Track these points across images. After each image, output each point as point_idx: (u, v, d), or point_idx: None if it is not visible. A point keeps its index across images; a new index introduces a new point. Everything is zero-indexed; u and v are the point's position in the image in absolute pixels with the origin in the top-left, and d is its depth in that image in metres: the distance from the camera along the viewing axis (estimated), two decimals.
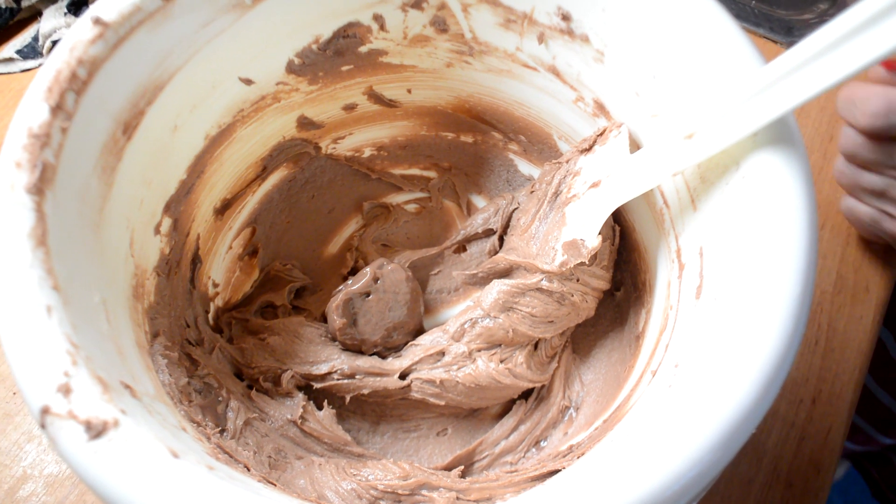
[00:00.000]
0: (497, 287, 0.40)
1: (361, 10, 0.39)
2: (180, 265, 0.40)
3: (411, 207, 0.51)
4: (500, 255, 0.43)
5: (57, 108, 0.29)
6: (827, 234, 0.51)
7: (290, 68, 0.40)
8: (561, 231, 0.40)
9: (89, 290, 0.29)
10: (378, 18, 0.39)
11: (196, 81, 0.36)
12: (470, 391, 0.40)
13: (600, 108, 0.39)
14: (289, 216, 0.47)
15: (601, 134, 0.38)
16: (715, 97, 0.30)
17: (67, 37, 0.31)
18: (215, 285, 0.44)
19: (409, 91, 0.45)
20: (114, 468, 0.23)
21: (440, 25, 0.40)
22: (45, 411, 0.24)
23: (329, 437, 0.39)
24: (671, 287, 0.35)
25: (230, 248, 0.45)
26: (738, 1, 0.61)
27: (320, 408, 0.41)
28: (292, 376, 0.41)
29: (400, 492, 0.33)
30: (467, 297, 0.46)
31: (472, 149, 0.48)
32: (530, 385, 0.41)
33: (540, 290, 0.39)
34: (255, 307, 0.45)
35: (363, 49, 0.41)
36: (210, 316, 0.43)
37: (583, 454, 0.33)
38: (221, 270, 0.45)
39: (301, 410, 0.39)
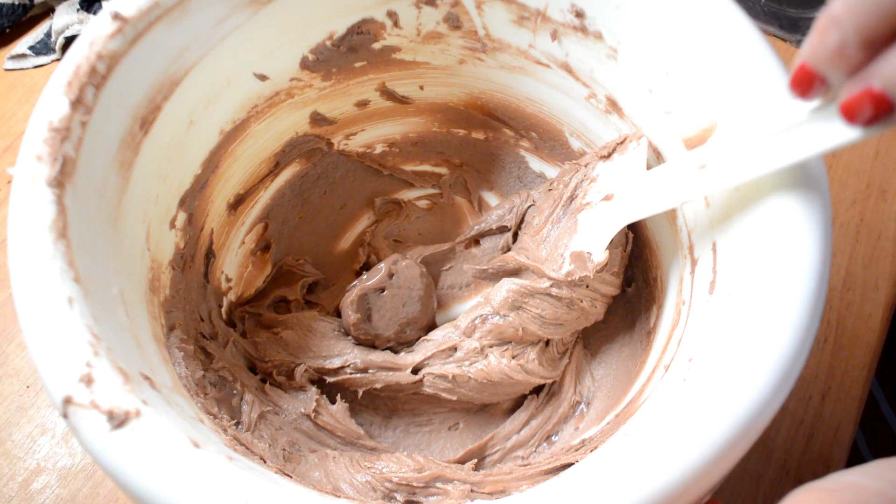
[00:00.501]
0: (506, 286, 0.40)
1: (375, 6, 0.39)
2: (194, 259, 0.40)
3: (422, 203, 0.51)
4: (510, 253, 0.43)
5: (77, 102, 0.29)
6: (836, 231, 0.51)
7: (304, 64, 0.40)
8: (571, 239, 0.40)
9: (108, 283, 0.30)
10: (392, 15, 0.40)
11: (211, 77, 0.36)
12: (482, 387, 0.40)
13: (613, 105, 0.39)
14: (301, 212, 0.48)
15: (622, 143, 0.38)
16: (734, 128, 0.30)
17: (86, 32, 0.31)
18: (228, 280, 0.44)
19: (421, 87, 0.45)
20: (136, 457, 0.23)
21: (453, 22, 0.40)
22: (67, 401, 0.24)
23: (342, 430, 0.40)
24: (683, 283, 0.35)
25: (243, 243, 0.45)
26: None
27: (333, 402, 0.41)
28: (305, 370, 0.41)
29: (414, 484, 0.33)
30: (478, 293, 0.46)
31: (483, 145, 0.48)
32: (542, 381, 0.41)
33: (549, 294, 0.40)
34: (268, 302, 0.45)
35: (377, 45, 0.41)
36: (223, 310, 0.43)
37: (595, 448, 0.33)
38: (234, 265, 0.45)
39: (314, 404, 0.40)
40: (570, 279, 0.38)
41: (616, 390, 0.40)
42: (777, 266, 0.26)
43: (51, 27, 0.60)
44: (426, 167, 0.50)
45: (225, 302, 0.44)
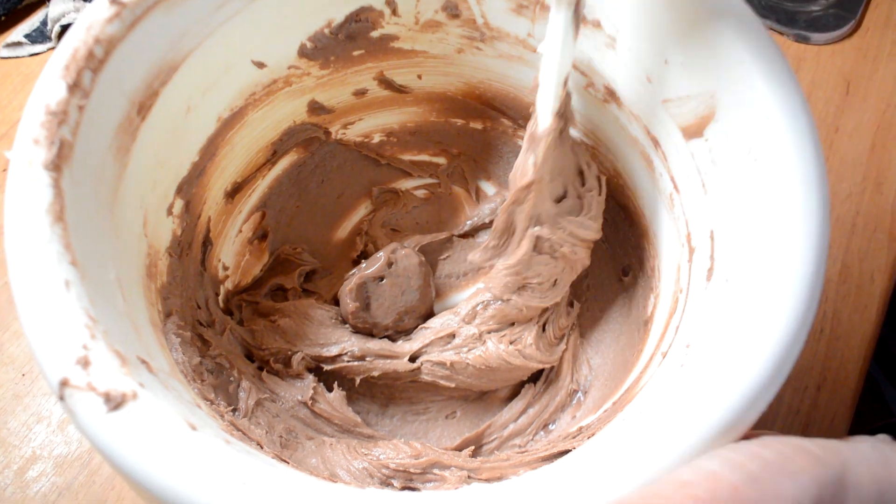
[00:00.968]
0: (503, 271, 0.40)
1: None
2: (191, 247, 0.40)
3: (420, 193, 0.51)
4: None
5: (74, 86, 0.29)
6: (832, 223, 0.51)
7: (303, 52, 0.40)
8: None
9: (105, 268, 0.29)
10: (390, 3, 0.40)
11: (209, 63, 0.36)
12: (480, 373, 0.40)
13: (611, 94, 0.39)
14: (298, 201, 0.48)
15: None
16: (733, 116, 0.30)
17: (84, 16, 0.31)
18: (225, 268, 0.44)
19: (419, 77, 0.45)
20: (133, 439, 0.23)
21: (452, 11, 0.40)
22: (63, 384, 0.24)
23: (339, 418, 0.40)
24: (681, 271, 0.35)
25: (240, 231, 0.45)
26: None
27: (330, 390, 0.41)
28: (302, 358, 0.41)
29: (412, 471, 0.33)
30: (476, 281, 0.46)
31: (481, 135, 0.48)
32: (539, 366, 0.41)
33: (535, 243, 0.39)
34: (265, 290, 0.45)
35: (375, 34, 0.41)
36: (220, 298, 0.43)
37: (593, 435, 0.33)
38: (231, 254, 0.45)
39: (311, 392, 0.40)
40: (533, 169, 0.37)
41: (613, 378, 0.40)
42: (775, 253, 0.26)
43: (47, 15, 0.60)
44: (424, 157, 0.50)
45: (222, 290, 0.44)
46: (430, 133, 0.49)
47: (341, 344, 0.42)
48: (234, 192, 0.43)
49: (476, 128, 0.48)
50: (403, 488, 0.33)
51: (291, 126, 0.45)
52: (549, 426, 0.41)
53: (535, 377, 0.43)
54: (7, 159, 0.28)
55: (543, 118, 0.37)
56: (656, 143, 0.37)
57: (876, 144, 0.55)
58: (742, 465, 0.22)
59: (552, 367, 0.42)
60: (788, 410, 0.45)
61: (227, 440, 0.25)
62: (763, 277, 0.25)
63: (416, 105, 0.47)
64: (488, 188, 0.50)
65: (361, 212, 0.50)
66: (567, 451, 0.32)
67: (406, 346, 0.42)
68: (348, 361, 0.41)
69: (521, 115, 0.46)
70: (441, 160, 0.50)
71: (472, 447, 0.39)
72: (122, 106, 0.32)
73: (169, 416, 0.24)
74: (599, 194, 0.41)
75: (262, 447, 0.33)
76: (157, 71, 0.34)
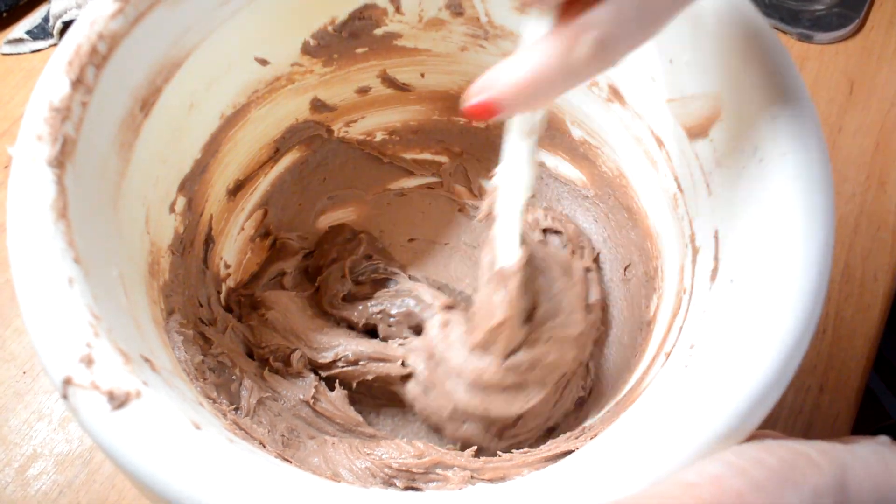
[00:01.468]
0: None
1: None
2: (194, 245, 0.40)
3: (422, 192, 0.51)
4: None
5: (77, 82, 0.29)
6: (836, 223, 0.51)
7: (306, 49, 0.40)
8: (488, 258, 0.37)
9: (108, 265, 0.29)
10: (394, 1, 0.40)
11: (212, 60, 0.36)
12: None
13: (615, 94, 0.39)
14: (301, 199, 0.47)
15: None
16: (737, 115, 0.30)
17: (87, 11, 0.31)
18: (227, 266, 0.44)
19: (422, 75, 0.45)
20: (137, 438, 0.23)
21: (456, 9, 0.40)
22: (67, 382, 0.24)
23: (341, 417, 0.40)
24: (685, 271, 0.35)
25: (242, 229, 0.45)
26: None
27: (332, 389, 0.41)
28: (301, 356, 0.41)
29: (414, 470, 0.33)
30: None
31: (483, 134, 0.48)
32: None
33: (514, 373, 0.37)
34: (264, 281, 0.45)
35: (378, 31, 0.41)
36: (222, 297, 0.43)
37: (596, 435, 0.33)
38: (233, 252, 0.45)
39: (313, 391, 0.40)
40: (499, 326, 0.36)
41: (616, 379, 0.40)
42: (779, 254, 0.26)
43: (48, 12, 0.60)
44: (426, 155, 0.50)
45: (224, 288, 0.44)
46: (432, 131, 0.49)
47: (334, 349, 0.42)
48: (237, 189, 0.43)
49: (479, 126, 0.48)
50: (406, 488, 0.33)
51: (294, 123, 0.44)
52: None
53: None
54: (10, 155, 0.28)
55: (509, 253, 0.35)
56: (660, 142, 0.37)
57: (880, 144, 0.54)
58: (746, 470, 0.22)
59: None
60: (791, 410, 0.45)
61: (230, 439, 0.25)
62: (767, 278, 0.25)
63: (419, 103, 0.47)
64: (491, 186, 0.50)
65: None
66: (570, 452, 0.32)
67: (399, 351, 0.41)
68: (343, 367, 0.41)
69: None
70: (443, 159, 0.50)
71: (476, 447, 0.39)
72: (126, 102, 0.32)
73: (173, 415, 0.24)
74: (588, 271, 0.40)
75: (264, 446, 0.32)
76: (161, 67, 0.33)
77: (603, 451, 0.25)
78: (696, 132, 0.33)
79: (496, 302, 0.35)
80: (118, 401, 0.23)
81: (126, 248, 0.32)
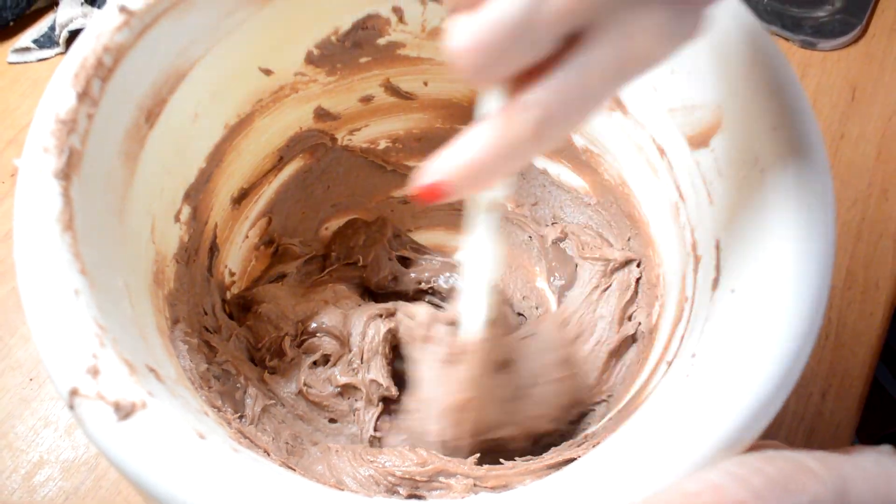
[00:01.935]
0: None
1: (381, 2, 0.39)
2: (198, 253, 0.40)
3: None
4: None
5: (83, 95, 0.29)
6: (838, 230, 0.51)
7: (309, 59, 0.41)
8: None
9: (113, 275, 0.30)
10: (397, 10, 0.40)
11: (217, 71, 0.37)
12: None
13: (617, 103, 0.39)
14: (304, 207, 0.48)
15: None
16: (738, 126, 0.30)
17: (93, 24, 0.31)
18: (232, 274, 0.44)
19: (425, 84, 0.45)
20: (143, 448, 0.23)
21: None
22: (73, 393, 0.24)
23: (331, 403, 0.40)
24: (686, 280, 0.35)
25: (246, 237, 0.45)
26: None
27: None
28: (293, 339, 0.41)
29: (418, 478, 0.33)
30: None
31: None
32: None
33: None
34: (262, 282, 0.45)
35: (381, 41, 0.41)
36: (226, 304, 0.43)
37: (598, 443, 0.33)
38: (238, 260, 0.45)
39: (304, 377, 0.40)
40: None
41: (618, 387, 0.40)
42: (779, 264, 0.26)
43: (55, 21, 0.60)
44: None
45: (228, 296, 0.44)
46: (435, 139, 0.49)
47: (319, 320, 0.42)
48: (241, 198, 0.44)
49: None
50: (409, 496, 0.34)
51: (298, 132, 0.45)
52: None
53: None
54: (16, 166, 0.28)
55: (472, 329, 0.35)
56: (662, 151, 0.37)
57: (882, 151, 0.55)
58: (746, 480, 0.22)
59: None
60: (793, 417, 0.45)
61: (234, 448, 0.25)
62: (767, 289, 0.25)
63: (422, 111, 0.47)
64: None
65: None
66: (572, 460, 0.32)
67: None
68: (322, 336, 0.42)
69: None
70: None
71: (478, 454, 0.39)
72: (131, 113, 0.32)
73: (178, 425, 0.24)
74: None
75: (269, 454, 0.33)
76: (166, 78, 0.34)
77: (605, 459, 0.25)
78: (698, 141, 0.33)
79: (453, 379, 0.35)
80: (124, 411, 0.24)
81: (131, 257, 0.32)
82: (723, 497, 0.21)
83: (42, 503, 0.42)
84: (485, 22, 0.21)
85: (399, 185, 0.50)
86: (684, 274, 0.35)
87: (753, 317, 0.25)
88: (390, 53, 0.42)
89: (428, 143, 0.49)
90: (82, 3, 0.60)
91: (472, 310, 0.34)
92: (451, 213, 0.50)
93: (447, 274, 0.48)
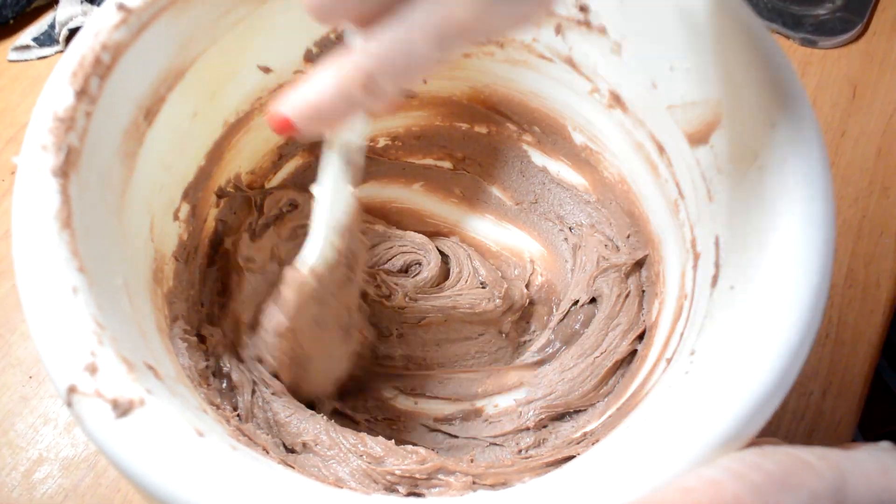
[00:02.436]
0: None
1: None
2: (197, 251, 0.40)
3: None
4: None
5: (81, 93, 0.29)
6: (838, 228, 0.51)
7: (308, 57, 0.41)
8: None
9: (112, 273, 0.30)
10: None
11: (216, 69, 0.36)
12: None
13: (616, 100, 0.39)
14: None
15: None
16: (737, 122, 0.30)
17: (91, 22, 0.31)
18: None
19: (424, 81, 0.45)
20: (140, 446, 0.23)
21: None
22: (71, 390, 0.24)
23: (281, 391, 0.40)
24: (685, 277, 0.35)
25: None
26: None
27: None
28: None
29: (417, 476, 0.33)
30: None
31: (486, 139, 0.48)
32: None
33: None
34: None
35: None
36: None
37: (597, 441, 0.33)
38: None
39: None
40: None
41: (618, 384, 0.40)
42: (778, 261, 0.26)
43: (55, 19, 0.60)
44: (429, 161, 0.50)
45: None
46: (434, 137, 0.49)
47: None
48: None
49: (481, 132, 0.48)
50: (409, 494, 0.34)
51: None
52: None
53: None
54: (15, 164, 0.28)
55: (302, 264, 0.35)
56: (661, 148, 0.37)
57: (882, 149, 0.54)
58: (744, 475, 0.22)
59: None
60: (793, 416, 0.45)
61: (233, 446, 0.25)
62: (766, 286, 0.25)
63: (422, 109, 0.47)
64: (493, 191, 0.50)
65: None
66: (572, 457, 0.32)
67: None
68: None
69: (525, 119, 0.46)
70: (446, 164, 0.50)
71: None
72: (130, 111, 0.32)
73: (176, 423, 0.24)
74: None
75: (267, 452, 0.33)
76: (164, 76, 0.34)
77: (604, 457, 0.25)
78: (697, 138, 0.33)
79: (276, 308, 0.36)
80: (122, 409, 0.24)
81: (130, 256, 0.32)
82: (721, 493, 0.21)
83: (42, 500, 0.42)
84: None
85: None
86: (684, 271, 0.35)
87: (752, 314, 0.25)
88: None
89: (427, 140, 0.49)
90: (82, 2, 0.60)
91: (311, 247, 0.35)
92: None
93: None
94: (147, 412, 0.24)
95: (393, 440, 0.36)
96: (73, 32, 0.59)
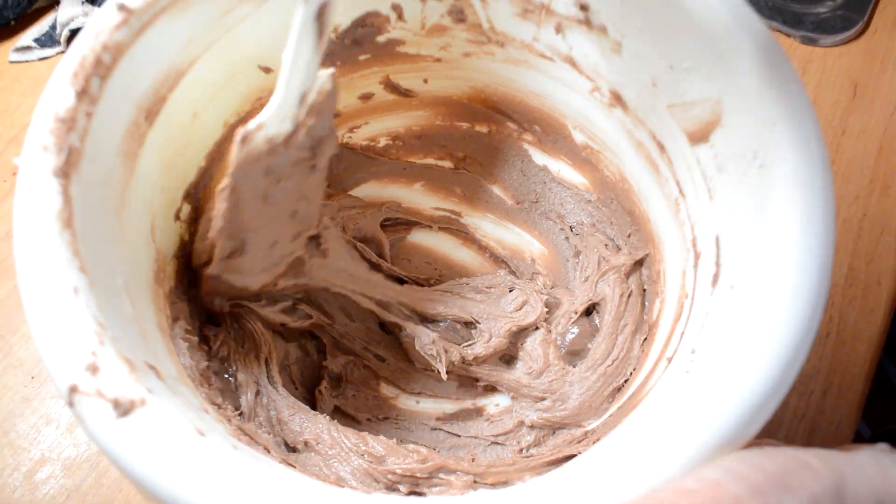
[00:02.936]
0: None
1: None
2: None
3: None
4: None
5: (82, 93, 0.29)
6: (839, 226, 0.51)
7: None
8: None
9: (113, 274, 0.30)
10: (396, 8, 0.40)
11: (216, 69, 0.37)
12: None
13: (616, 99, 0.39)
14: None
15: None
16: (738, 121, 0.30)
17: (92, 23, 0.31)
18: None
19: (425, 81, 0.45)
20: (142, 446, 0.23)
21: (458, 15, 0.40)
22: (72, 390, 0.24)
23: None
24: (686, 276, 0.35)
25: None
26: None
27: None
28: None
29: (418, 475, 0.33)
30: None
31: (486, 139, 0.48)
32: None
33: None
34: None
35: (381, 39, 0.41)
36: None
37: (598, 440, 0.33)
38: None
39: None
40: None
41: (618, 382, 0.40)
42: (779, 260, 0.26)
43: (56, 19, 0.60)
44: (429, 160, 0.50)
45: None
46: (435, 137, 0.49)
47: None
48: None
49: (481, 131, 0.48)
50: (410, 493, 0.34)
51: None
52: (556, 430, 0.41)
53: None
54: (16, 165, 0.28)
55: (253, 121, 0.33)
56: (662, 147, 0.37)
57: (883, 147, 0.54)
58: (744, 476, 0.22)
59: None
60: (794, 415, 0.45)
61: (234, 445, 0.25)
62: (768, 285, 0.25)
63: (422, 109, 0.47)
64: (494, 191, 0.50)
65: None
66: (572, 456, 0.32)
67: None
68: None
69: (526, 118, 0.46)
70: (447, 163, 0.50)
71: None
72: (130, 112, 0.32)
73: (177, 422, 0.24)
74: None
75: (269, 451, 0.33)
76: (165, 77, 0.34)
77: (604, 456, 0.25)
78: (697, 137, 0.33)
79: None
80: (123, 408, 0.24)
81: (131, 256, 0.32)
82: (720, 494, 0.22)
83: (44, 501, 0.42)
84: None
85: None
86: (684, 270, 0.35)
87: (753, 313, 0.25)
88: (390, 51, 0.42)
89: (428, 140, 0.49)
90: (83, 2, 0.60)
91: (268, 106, 0.33)
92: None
93: None
94: (148, 412, 0.24)
95: (394, 440, 0.36)
96: (74, 33, 0.59)
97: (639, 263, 0.43)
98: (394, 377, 0.44)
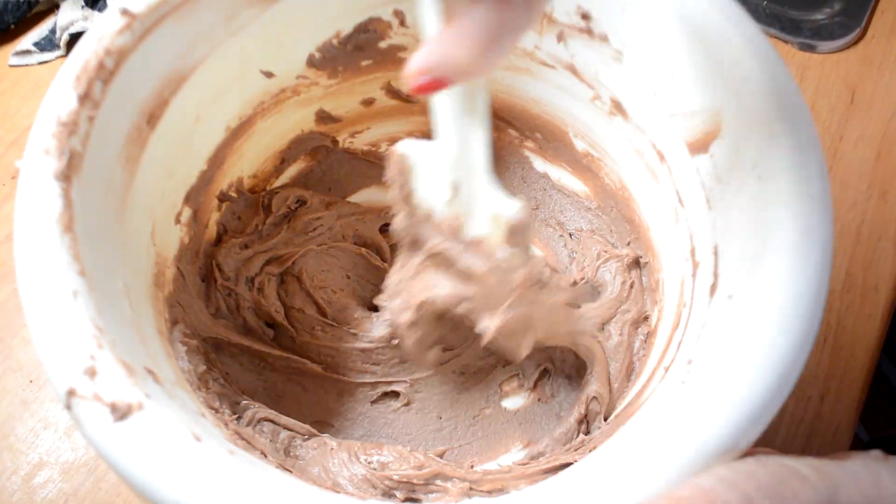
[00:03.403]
0: None
1: (382, 5, 0.39)
2: (198, 255, 0.40)
3: None
4: None
5: (84, 97, 0.30)
6: (836, 232, 0.51)
7: (311, 62, 0.41)
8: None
9: (113, 277, 0.30)
10: (398, 14, 0.40)
11: (218, 73, 0.37)
12: None
13: (617, 107, 0.39)
14: None
15: None
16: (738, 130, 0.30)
17: (95, 27, 0.31)
18: None
19: None
20: (138, 450, 0.23)
21: None
22: (71, 393, 0.24)
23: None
24: (685, 285, 0.35)
25: None
26: (749, 0, 0.61)
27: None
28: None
29: (415, 482, 0.33)
30: None
31: None
32: None
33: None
34: None
35: (383, 44, 0.42)
36: None
37: (594, 448, 0.33)
38: None
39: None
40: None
41: (616, 391, 0.40)
42: (776, 272, 0.26)
43: (55, 24, 0.60)
44: None
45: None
46: None
47: None
48: None
49: None
50: (406, 499, 0.34)
51: (299, 135, 0.45)
52: None
53: None
54: (17, 168, 0.28)
55: (509, 207, 0.34)
56: (662, 156, 0.37)
57: (881, 153, 0.54)
58: (738, 485, 0.22)
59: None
60: (791, 420, 0.45)
61: (231, 451, 0.26)
62: (763, 297, 0.25)
63: (423, 114, 0.47)
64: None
65: None
66: (569, 464, 0.32)
67: None
68: None
69: (527, 126, 0.46)
70: None
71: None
72: (132, 116, 0.32)
73: (174, 427, 0.24)
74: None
75: (265, 456, 0.33)
76: (167, 81, 0.34)
77: (600, 464, 0.25)
78: (697, 147, 0.33)
79: (514, 260, 0.34)
80: (120, 413, 0.24)
81: (131, 259, 0.32)
82: (712, 502, 0.22)
83: None
84: None
85: None
86: (683, 279, 0.35)
87: (750, 323, 0.25)
88: (392, 56, 0.43)
89: None
90: (83, 6, 0.60)
91: (491, 197, 0.34)
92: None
93: None
94: (145, 416, 0.24)
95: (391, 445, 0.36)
96: (74, 37, 0.59)
97: (637, 263, 0.43)
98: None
